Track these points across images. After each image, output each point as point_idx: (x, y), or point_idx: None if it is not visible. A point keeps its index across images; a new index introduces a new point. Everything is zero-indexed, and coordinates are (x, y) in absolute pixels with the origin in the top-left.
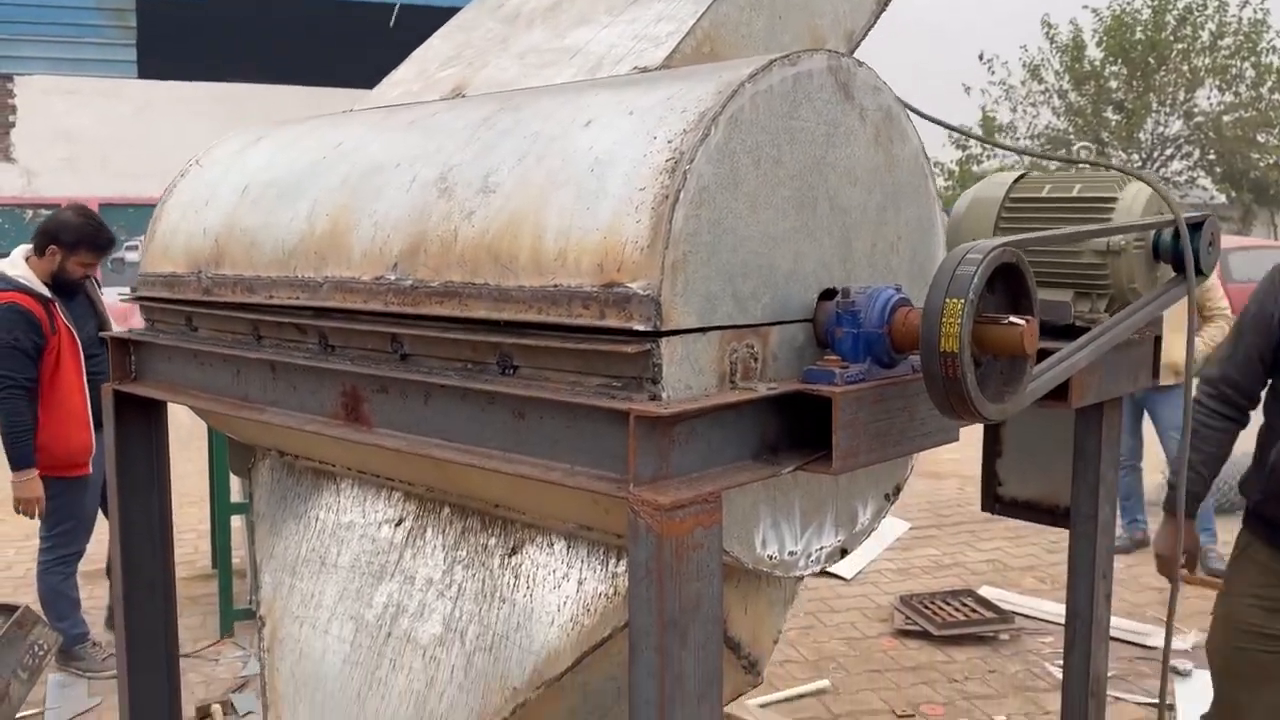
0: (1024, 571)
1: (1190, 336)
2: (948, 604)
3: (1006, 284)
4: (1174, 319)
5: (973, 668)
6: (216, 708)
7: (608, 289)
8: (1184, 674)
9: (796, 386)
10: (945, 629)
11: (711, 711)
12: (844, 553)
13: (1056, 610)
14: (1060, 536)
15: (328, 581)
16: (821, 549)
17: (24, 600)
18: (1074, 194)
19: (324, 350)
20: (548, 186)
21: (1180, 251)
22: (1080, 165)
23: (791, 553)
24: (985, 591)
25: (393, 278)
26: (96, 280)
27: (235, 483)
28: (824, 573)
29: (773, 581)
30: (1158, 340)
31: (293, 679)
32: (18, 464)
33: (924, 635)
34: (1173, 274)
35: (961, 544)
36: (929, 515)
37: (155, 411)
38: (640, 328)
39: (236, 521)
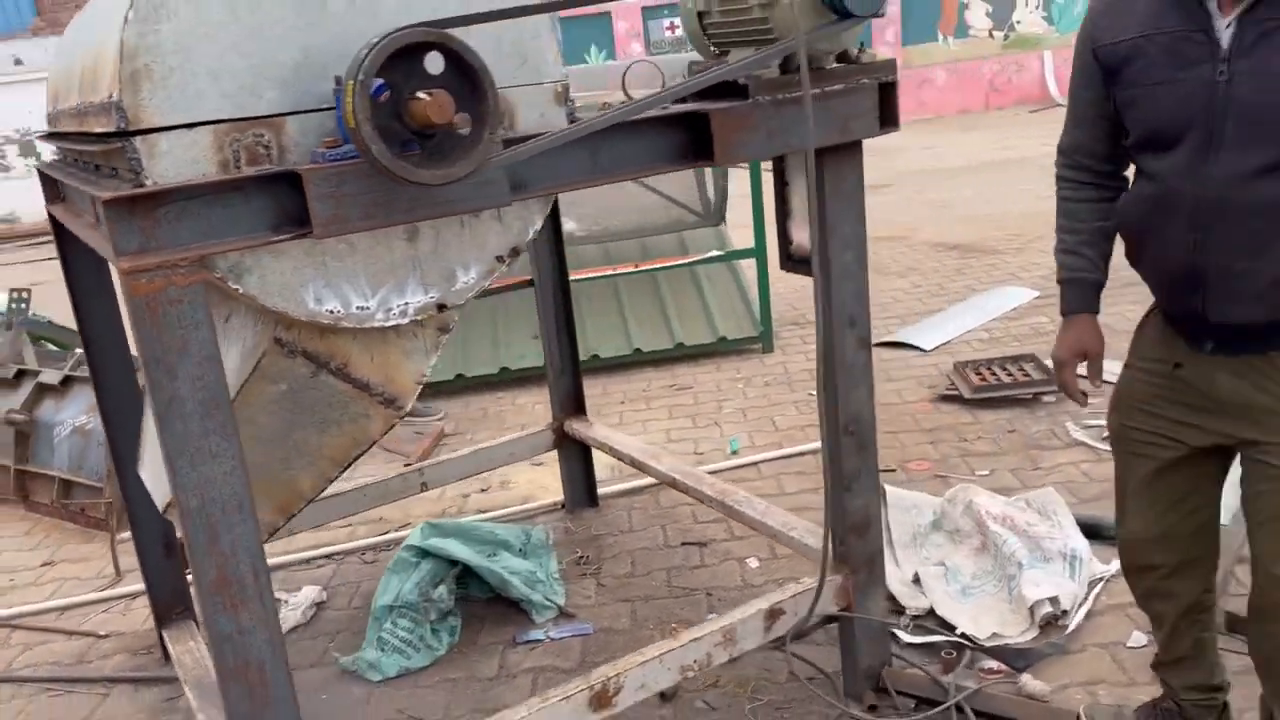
0: (1125, 335)
1: None
2: (1004, 369)
3: (455, 62)
4: None
5: (993, 428)
6: None
7: (105, 101)
8: None
9: (288, 168)
10: (978, 392)
11: (221, 426)
12: (442, 307)
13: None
14: None
15: None
16: (407, 304)
17: None
18: None
19: (83, 169)
20: (105, 21)
21: None
22: None
23: (362, 307)
24: None
25: (77, 103)
26: None
27: None
28: (900, 344)
29: (403, 334)
30: (884, 87)
31: None
32: None
33: (959, 399)
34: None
35: None
36: None
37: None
38: (105, 130)
39: None
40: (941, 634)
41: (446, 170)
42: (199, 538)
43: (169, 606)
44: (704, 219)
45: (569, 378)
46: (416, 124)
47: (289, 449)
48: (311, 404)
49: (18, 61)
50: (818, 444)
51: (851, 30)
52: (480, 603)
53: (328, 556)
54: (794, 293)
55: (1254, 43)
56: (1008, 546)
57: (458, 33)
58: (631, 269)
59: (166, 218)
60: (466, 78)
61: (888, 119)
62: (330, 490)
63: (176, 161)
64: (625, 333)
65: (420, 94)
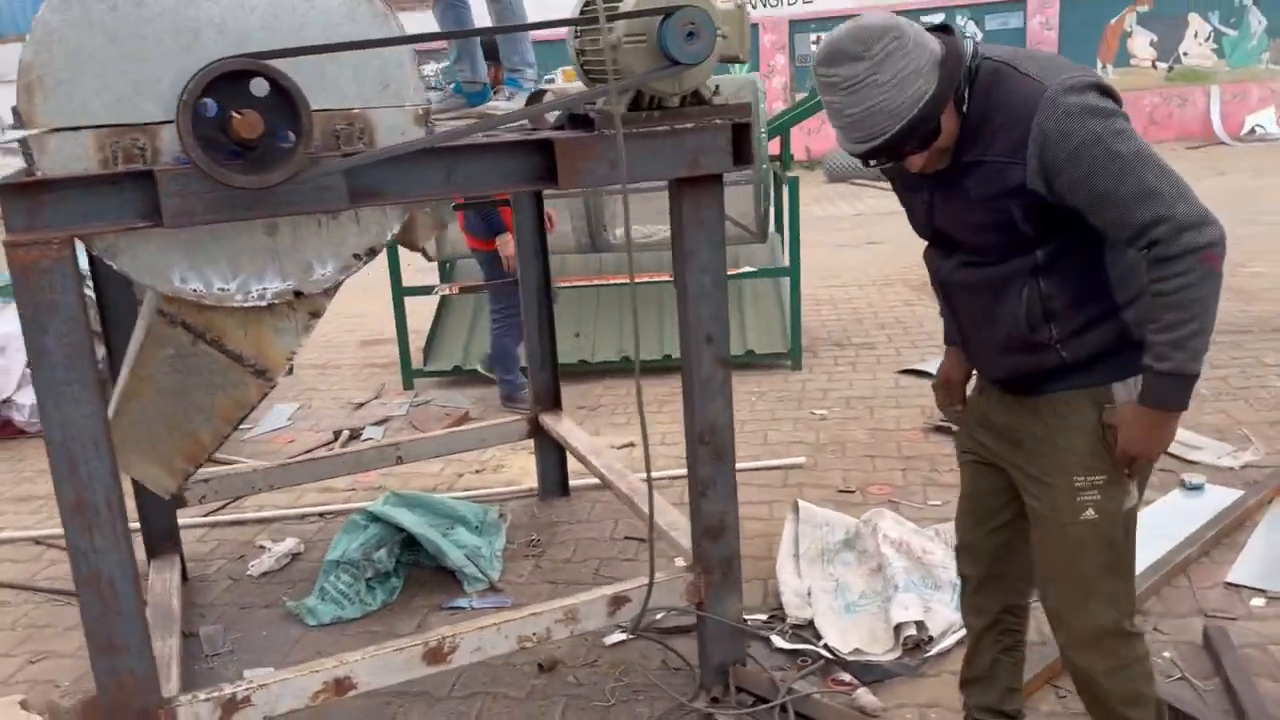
0: None
1: None
2: None
3: (275, 87)
4: None
5: None
6: (345, 433)
7: (13, 106)
8: (1190, 487)
9: (149, 167)
10: None
11: (81, 376)
12: (299, 294)
13: None
14: None
15: None
16: (265, 289)
17: None
18: None
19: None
20: None
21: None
22: None
23: (223, 289)
24: None
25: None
26: None
27: (407, 269)
28: (917, 373)
29: (276, 314)
30: (736, 128)
31: None
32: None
33: (948, 431)
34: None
35: None
36: None
37: None
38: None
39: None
40: (810, 644)
41: (263, 176)
42: (61, 466)
43: (159, 541)
44: (755, 237)
45: (547, 374)
46: (237, 138)
47: (188, 406)
48: (198, 369)
49: None
50: (798, 460)
51: (698, 72)
52: (428, 569)
53: (320, 515)
54: (848, 313)
55: (940, 184)
56: (891, 569)
57: (301, 61)
58: (668, 279)
59: (50, 202)
60: (285, 99)
61: (741, 156)
62: (315, 455)
63: (64, 158)
64: (660, 338)
65: (235, 113)
